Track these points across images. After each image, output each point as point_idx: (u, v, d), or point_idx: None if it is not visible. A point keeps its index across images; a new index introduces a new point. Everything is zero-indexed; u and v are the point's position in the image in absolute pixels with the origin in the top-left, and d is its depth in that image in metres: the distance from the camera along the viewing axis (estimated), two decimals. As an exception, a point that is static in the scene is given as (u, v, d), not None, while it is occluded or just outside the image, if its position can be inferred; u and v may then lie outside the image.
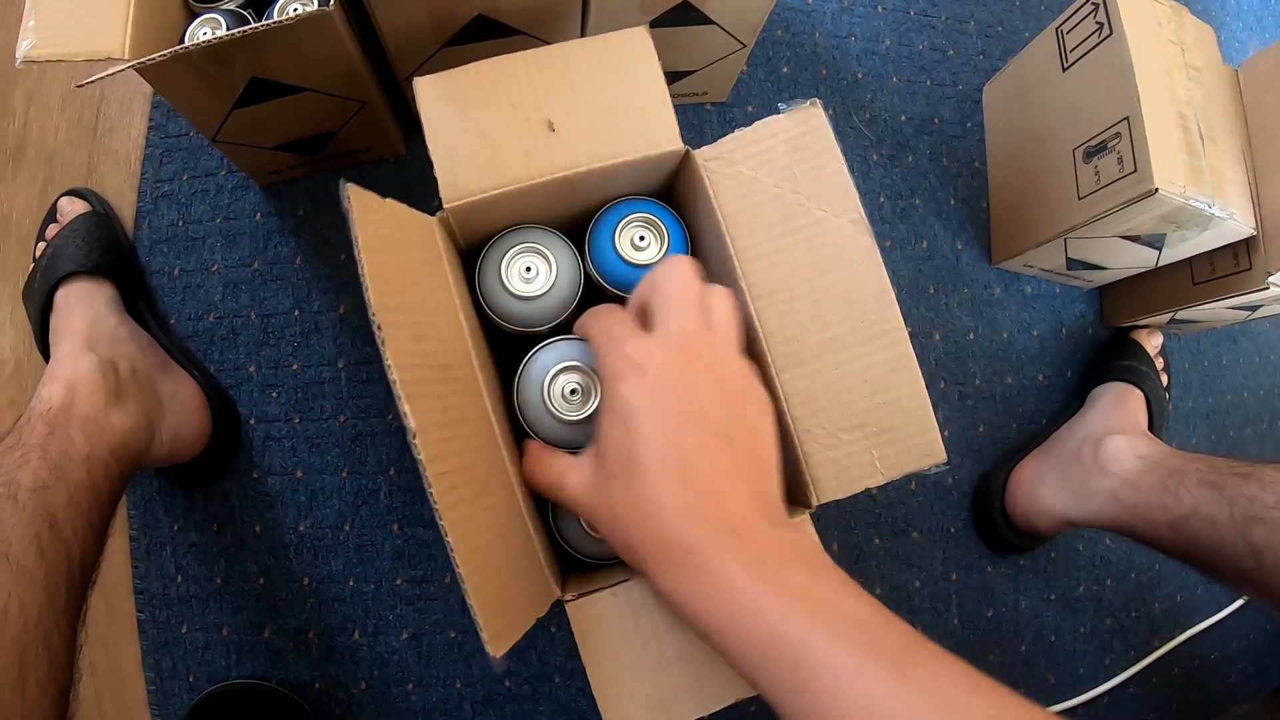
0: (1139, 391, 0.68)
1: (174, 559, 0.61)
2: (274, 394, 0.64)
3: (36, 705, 0.36)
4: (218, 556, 0.62)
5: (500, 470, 0.37)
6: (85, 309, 0.55)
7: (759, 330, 0.39)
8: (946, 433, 0.65)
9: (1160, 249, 0.62)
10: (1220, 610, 0.75)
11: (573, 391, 0.39)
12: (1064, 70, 0.63)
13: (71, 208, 0.62)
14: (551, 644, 0.63)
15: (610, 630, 0.36)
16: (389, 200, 0.35)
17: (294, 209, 0.66)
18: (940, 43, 0.79)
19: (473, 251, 0.44)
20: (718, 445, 0.32)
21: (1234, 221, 0.56)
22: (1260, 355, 0.82)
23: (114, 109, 0.68)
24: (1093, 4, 0.60)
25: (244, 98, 0.51)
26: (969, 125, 0.77)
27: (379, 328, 0.31)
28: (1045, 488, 0.64)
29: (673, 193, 0.46)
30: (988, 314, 0.74)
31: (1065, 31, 0.63)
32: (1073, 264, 0.70)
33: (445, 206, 0.39)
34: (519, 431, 0.40)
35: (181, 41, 0.52)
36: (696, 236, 0.45)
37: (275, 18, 0.45)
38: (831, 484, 0.38)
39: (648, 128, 0.41)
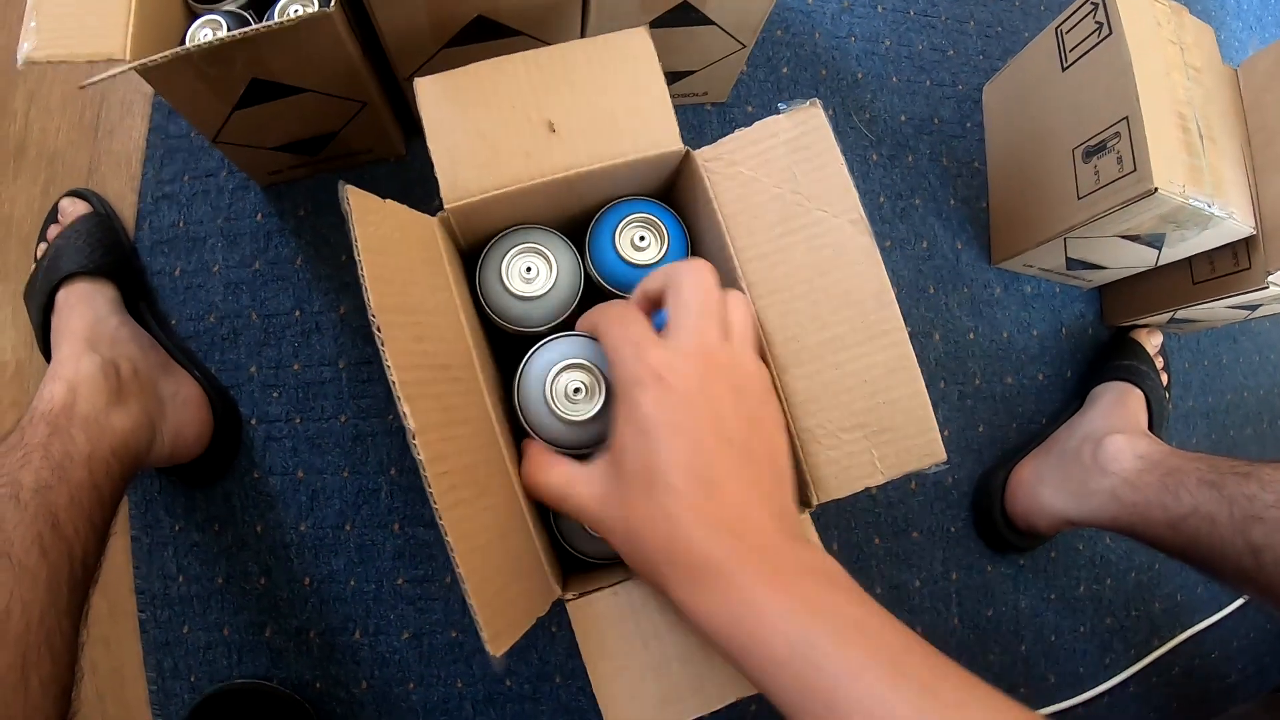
0: (1139, 391, 0.68)
1: (175, 559, 0.62)
2: (275, 394, 0.64)
3: (39, 704, 0.36)
4: (219, 556, 0.62)
5: (501, 470, 0.37)
6: (86, 310, 0.56)
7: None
8: (946, 432, 0.65)
9: (1160, 248, 0.62)
10: (1220, 610, 0.75)
11: (577, 390, 0.38)
12: (1063, 70, 0.63)
13: (73, 208, 0.62)
14: (552, 643, 0.63)
15: (611, 630, 0.37)
16: (389, 201, 0.35)
17: (295, 209, 0.66)
18: (940, 43, 0.79)
19: (473, 251, 0.44)
20: (739, 461, 0.32)
21: (1233, 221, 0.56)
22: (1260, 354, 0.82)
23: (115, 110, 0.68)
24: (1092, 4, 0.60)
25: (245, 99, 0.52)
26: (969, 125, 0.77)
27: (378, 329, 0.31)
28: (1045, 487, 0.64)
29: (673, 193, 0.46)
30: (988, 314, 0.74)
31: (1065, 31, 0.63)
32: (1072, 264, 0.70)
33: (446, 207, 0.39)
34: (519, 431, 0.40)
35: (182, 42, 0.52)
36: (696, 237, 0.45)
37: (276, 19, 0.45)
38: (832, 483, 0.38)
39: (648, 128, 0.41)
